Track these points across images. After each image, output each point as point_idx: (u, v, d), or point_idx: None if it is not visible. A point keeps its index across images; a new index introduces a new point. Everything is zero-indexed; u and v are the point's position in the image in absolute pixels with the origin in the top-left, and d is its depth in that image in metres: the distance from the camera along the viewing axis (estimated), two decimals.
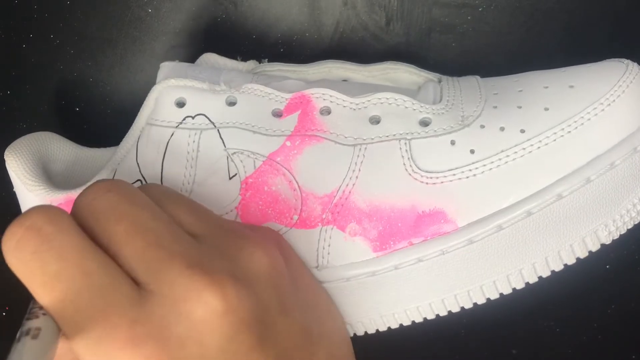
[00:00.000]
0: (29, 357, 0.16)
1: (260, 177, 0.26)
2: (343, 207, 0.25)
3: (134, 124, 0.27)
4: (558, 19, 0.32)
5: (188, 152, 0.26)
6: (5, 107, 0.34)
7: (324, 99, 0.27)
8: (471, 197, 0.25)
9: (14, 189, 0.28)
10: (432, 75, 0.29)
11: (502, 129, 0.25)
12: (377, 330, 0.27)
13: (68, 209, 0.21)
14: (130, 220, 0.19)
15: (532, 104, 0.26)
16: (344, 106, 0.26)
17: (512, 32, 0.32)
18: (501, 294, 0.25)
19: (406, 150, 0.25)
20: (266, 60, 0.31)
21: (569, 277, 0.25)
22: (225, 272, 0.19)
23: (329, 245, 0.26)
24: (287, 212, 0.26)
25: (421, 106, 0.26)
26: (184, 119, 0.27)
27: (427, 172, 0.25)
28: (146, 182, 0.27)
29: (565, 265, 0.25)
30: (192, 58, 0.31)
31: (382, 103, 0.26)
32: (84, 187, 0.26)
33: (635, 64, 0.26)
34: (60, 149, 0.30)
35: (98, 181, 0.21)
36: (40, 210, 0.19)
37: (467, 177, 0.25)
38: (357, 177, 0.25)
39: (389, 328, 0.27)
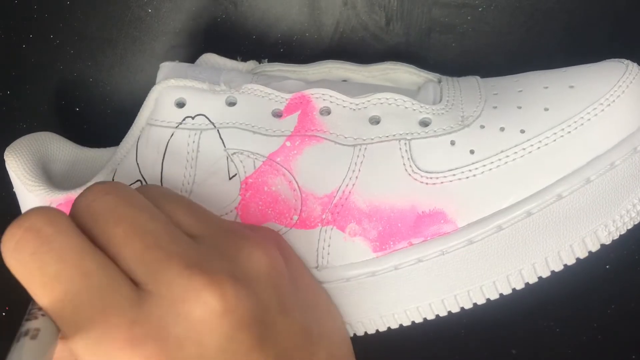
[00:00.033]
0: (27, 357, 0.16)
1: (260, 177, 0.26)
2: (343, 207, 0.25)
3: (134, 124, 0.27)
4: (558, 19, 0.32)
5: (188, 153, 0.26)
6: (5, 107, 0.34)
7: (324, 99, 0.27)
8: (471, 197, 0.25)
9: (14, 189, 0.28)
10: (432, 76, 0.29)
11: (502, 129, 0.25)
12: (377, 331, 0.27)
13: (68, 209, 0.21)
14: (128, 222, 0.19)
15: (532, 104, 0.26)
16: (344, 106, 0.26)
17: (512, 32, 0.32)
18: (501, 294, 0.25)
19: (406, 151, 0.25)
20: (266, 60, 0.31)
21: (569, 277, 0.25)
22: (224, 272, 0.19)
23: (329, 246, 0.26)
24: (287, 213, 0.26)
25: (421, 106, 0.26)
26: (184, 119, 0.27)
27: (427, 172, 0.25)
28: (146, 182, 0.27)
29: (565, 265, 0.25)
30: (192, 58, 0.31)
31: (382, 103, 0.26)
32: (84, 187, 0.26)
33: (635, 64, 0.26)
34: (60, 149, 0.30)
35: (97, 183, 0.21)
36: (40, 211, 0.19)
37: (467, 178, 0.25)
38: (357, 177, 0.25)
39: (389, 328, 0.27)
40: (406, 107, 0.26)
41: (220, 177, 0.26)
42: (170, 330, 0.18)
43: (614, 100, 0.25)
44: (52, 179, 0.28)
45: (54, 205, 0.27)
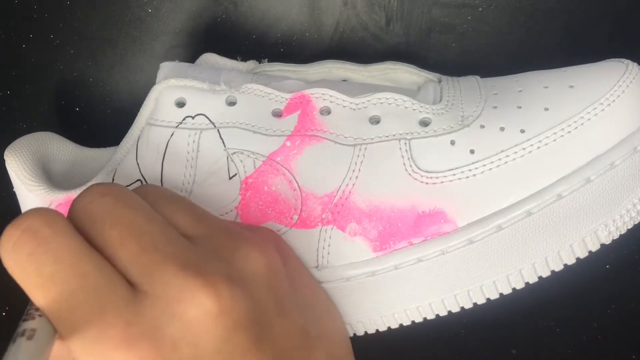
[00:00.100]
0: (24, 357, 0.16)
1: (260, 177, 0.26)
2: (343, 207, 0.25)
3: (134, 124, 0.27)
4: (558, 19, 0.32)
5: (188, 152, 0.26)
6: (5, 107, 0.34)
7: (324, 99, 0.27)
8: (471, 197, 0.25)
9: (14, 189, 0.28)
10: (432, 75, 0.29)
11: (502, 129, 0.25)
12: (377, 330, 0.27)
13: (68, 209, 0.21)
14: (125, 224, 0.20)
15: (532, 104, 0.26)
16: (344, 106, 0.26)
17: (512, 32, 0.32)
18: (501, 294, 0.25)
19: (406, 150, 0.25)
20: (266, 60, 0.31)
21: (569, 277, 0.25)
22: (220, 274, 0.19)
23: (329, 245, 0.26)
24: (287, 212, 0.26)
25: (421, 106, 0.26)
26: (184, 119, 0.27)
27: (427, 172, 0.25)
28: (146, 182, 0.27)
29: (565, 265, 0.25)
30: (192, 58, 0.31)
31: (382, 103, 0.26)
32: (84, 187, 0.26)
33: (635, 64, 0.26)
34: (60, 149, 0.30)
35: (94, 185, 0.21)
36: (37, 212, 0.19)
37: (467, 177, 0.25)
38: (357, 177, 0.25)
39: (389, 328, 0.27)
40: (406, 107, 0.26)
41: (221, 176, 0.26)
42: (166, 331, 0.18)
43: (614, 100, 0.25)
44: (52, 179, 0.28)
45: (54, 205, 0.27)
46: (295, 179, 0.26)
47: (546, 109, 0.25)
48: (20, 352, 0.17)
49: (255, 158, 0.26)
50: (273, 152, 0.26)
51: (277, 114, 0.27)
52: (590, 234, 0.25)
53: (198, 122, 0.27)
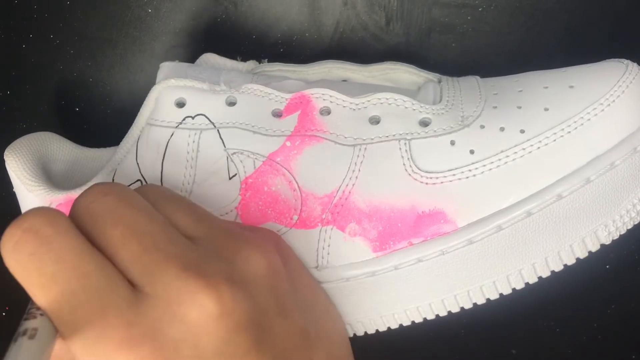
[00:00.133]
0: (25, 357, 0.16)
1: (260, 177, 0.26)
2: (343, 207, 0.25)
3: (133, 124, 0.27)
4: (558, 19, 0.32)
5: (188, 152, 0.26)
6: (5, 107, 0.34)
7: (324, 99, 0.27)
8: (471, 197, 0.25)
9: (14, 189, 0.28)
10: (432, 76, 0.29)
11: (502, 129, 0.25)
12: (377, 331, 0.27)
13: (68, 209, 0.21)
14: (126, 223, 0.20)
15: (532, 104, 0.26)
16: (344, 106, 0.26)
17: (512, 32, 0.32)
18: (501, 294, 0.25)
19: (406, 151, 0.25)
20: (266, 60, 0.31)
21: (569, 277, 0.25)
22: (221, 275, 0.19)
23: (329, 246, 0.26)
24: (287, 213, 0.26)
25: (421, 106, 0.26)
26: (184, 119, 0.27)
27: (427, 172, 0.25)
28: (146, 182, 0.27)
29: (565, 265, 0.25)
30: (192, 58, 0.31)
31: (382, 103, 0.26)
32: (84, 187, 0.26)
33: (635, 64, 0.26)
34: (60, 149, 0.30)
35: (96, 184, 0.21)
36: (39, 212, 0.19)
37: (467, 178, 0.25)
38: (357, 177, 0.25)
39: (389, 328, 0.27)
40: (406, 107, 0.26)
41: (220, 177, 0.26)
42: (167, 332, 0.18)
43: (614, 100, 0.25)
44: (52, 179, 0.28)
45: (54, 205, 0.27)
46: (295, 179, 0.26)
47: (546, 109, 0.25)
48: (22, 352, 0.17)
49: (255, 158, 0.26)
50: (273, 152, 0.26)
51: (277, 114, 0.27)
52: (590, 234, 0.25)
53: (198, 122, 0.27)
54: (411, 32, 0.33)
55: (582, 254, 0.25)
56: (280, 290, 0.21)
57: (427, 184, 0.25)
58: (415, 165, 0.25)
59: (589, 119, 0.25)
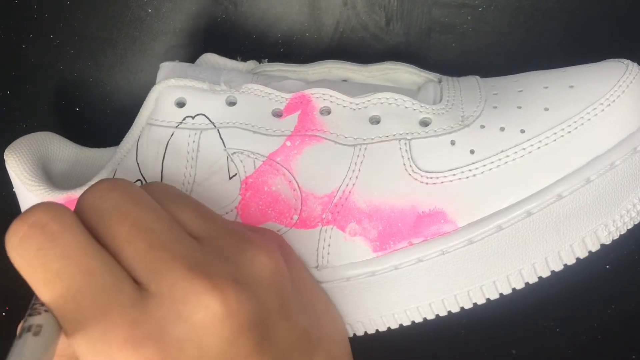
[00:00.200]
0: (30, 353, 0.16)
1: (260, 177, 0.26)
2: (343, 207, 0.25)
3: (134, 124, 0.27)
4: (558, 19, 0.32)
5: (188, 152, 0.26)
6: (5, 107, 0.34)
7: (324, 99, 0.27)
8: (471, 197, 0.25)
9: (14, 189, 0.28)
10: (432, 75, 0.29)
11: (502, 129, 0.25)
12: (377, 331, 0.27)
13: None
14: (133, 220, 0.19)
15: (532, 104, 0.26)
16: (344, 106, 0.26)
17: (512, 32, 0.32)
18: (501, 294, 0.25)
19: (406, 150, 0.25)
20: (266, 60, 0.31)
21: (569, 277, 0.25)
22: (226, 276, 0.19)
23: (329, 245, 0.26)
24: (287, 212, 0.26)
25: (421, 106, 0.26)
26: (184, 119, 0.27)
27: (427, 172, 0.25)
28: (146, 182, 0.27)
29: (565, 265, 0.25)
30: (192, 58, 0.31)
31: (382, 103, 0.26)
32: (84, 187, 0.26)
33: (635, 64, 0.26)
34: (60, 149, 0.30)
35: (102, 180, 0.21)
36: (45, 207, 0.19)
37: (467, 177, 0.25)
38: (357, 177, 0.25)
39: (389, 328, 0.27)
40: (406, 107, 0.26)
41: (221, 176, 0.26)
42: (171, 332, 0.18)
43: (614, 100, 0.25)
44: (52, 179, 0.28)
45: None
46: (295, 179, 0.26)
47: (546, 109, 0.25)
48: (26, 348, 0.16)
49: (255, 158, 0.26)
50: (273, 152, 0.26)
51: (277, 114, 0.27)
52: (590, 234, 0.25)
53: (198, 122, 0.27)
54: (411, 32, 0.33)
55: (582, 254, 0.25)
56: (284, 291, 0.21)
57: (427, 183, 0.25)
58: (416, 165, 0.25)
59: (589, 119, 0.25)
